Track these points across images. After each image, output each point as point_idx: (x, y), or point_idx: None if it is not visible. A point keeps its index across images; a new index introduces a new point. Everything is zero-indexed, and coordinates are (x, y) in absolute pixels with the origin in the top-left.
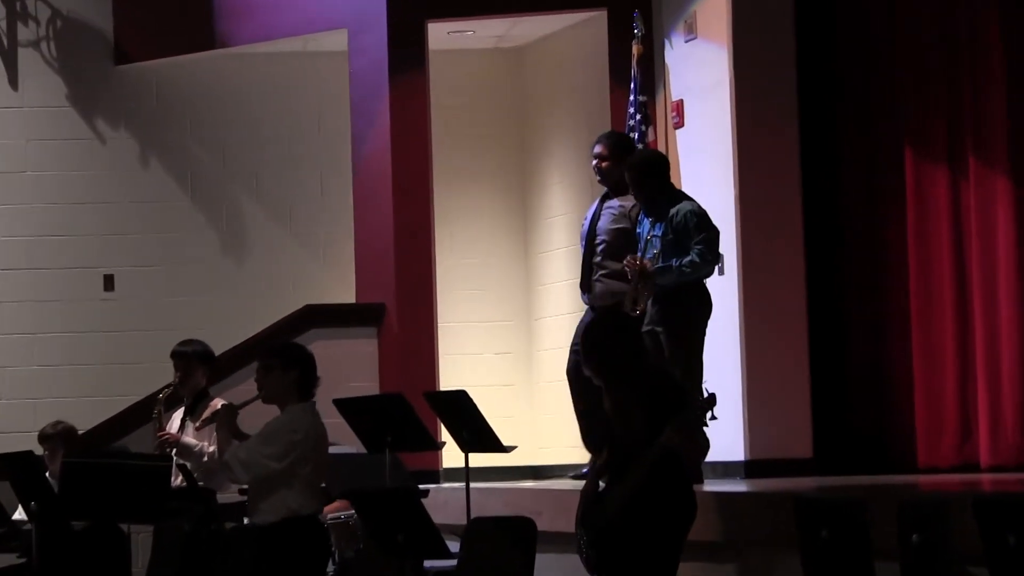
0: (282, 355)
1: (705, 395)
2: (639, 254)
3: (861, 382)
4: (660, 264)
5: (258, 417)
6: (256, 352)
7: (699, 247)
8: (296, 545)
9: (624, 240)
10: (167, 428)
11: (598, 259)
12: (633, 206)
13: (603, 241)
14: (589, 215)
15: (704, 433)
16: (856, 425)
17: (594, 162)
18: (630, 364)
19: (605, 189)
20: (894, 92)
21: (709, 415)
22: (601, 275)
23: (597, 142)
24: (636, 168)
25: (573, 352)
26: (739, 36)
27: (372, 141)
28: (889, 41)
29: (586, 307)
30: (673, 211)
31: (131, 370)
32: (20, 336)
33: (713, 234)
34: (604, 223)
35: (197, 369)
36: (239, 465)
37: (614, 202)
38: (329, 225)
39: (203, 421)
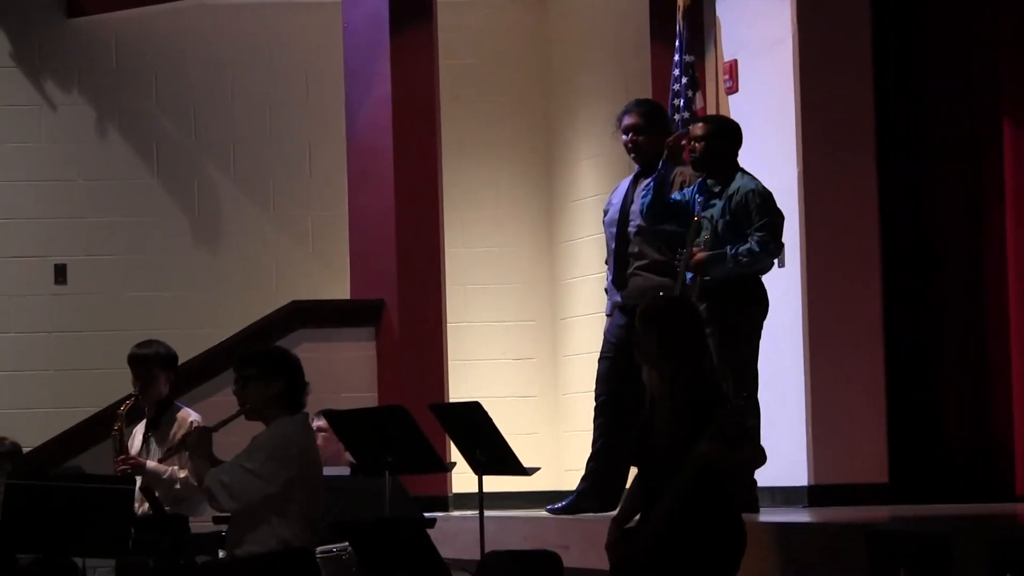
0: (260, 363)
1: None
2: (687, 239)
3: (948, 396)
4: (712, 251)
5: (239, 436)
6: (232, 359)
7: (760, 234)
8: None
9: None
10: (128, 446)
11: (634, 250)
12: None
13: (638, 227)
14: (617, 197)
15: (757, 444)
16: (941, 446)
17: (625, 137)
18: (689, 362)
19: (638, 167)
20: (993, 52)
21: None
22: (638, 267)
23: (627, 112)
24: (714, 122)
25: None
26: None
27: (369, 109)
28: None
29: (613, 308)
30: (733, 188)
31: (87, 376)
32: None
33: (777, 220)
34: (639, 206)
35: (159, 375)
36: (222, 490)
37: (650, 181)
38: (318, 208)
39: (168, 450)
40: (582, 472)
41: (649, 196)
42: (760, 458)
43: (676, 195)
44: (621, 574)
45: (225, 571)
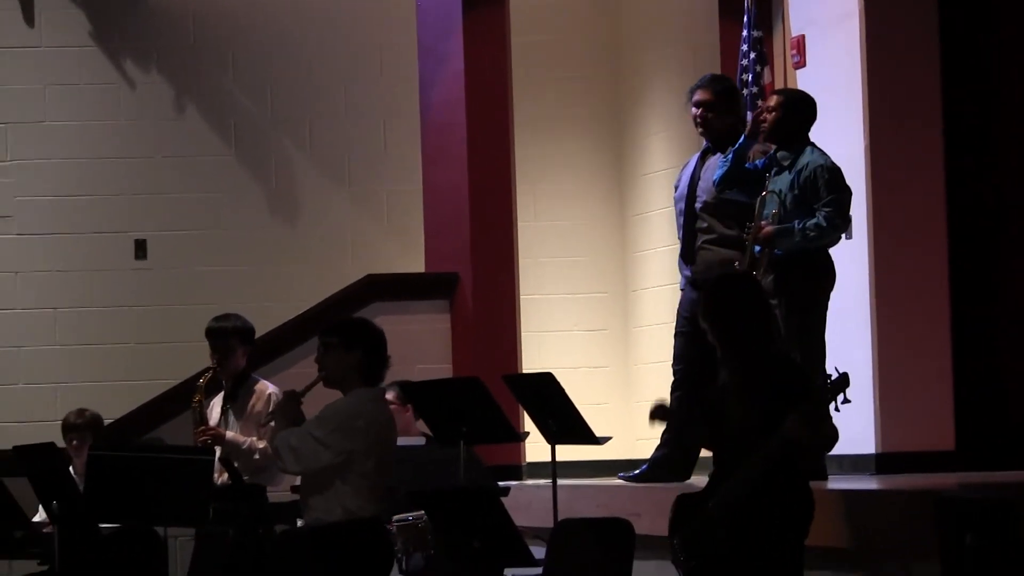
0: (342, 332)
1: (834, 376)
2: (756, 212)
3: (1014, 363)
4: (779, 225)
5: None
6: (313, 328)
7: (827, 210)
8: (354, 551)
9: (730, 199)
10: (207, 417)
11: (702, 224)
12: None
13: (705, 202)
14: (686, 174)
15: (832, 422)
16: (1008, 413)
17: (695, 110)
18: (757, 338)
19: (706, 142)
20: None
21: (841, 399)
22: (706, 242)
23: (697, 87)
24: (788, 94)
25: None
26: None
27: (443, 85)
28: None
29: (686, 283)
30: (803, 163)
31: (166, 349)
32: (40, 311)
33: (845, 196)
34: (708, 181)
35: (236, 348)
36: (288, 452)
37: (718, 157)
38: (393, 183)
39: (267, 416)
40: (653, 441)
41: (727, 166)
42: (835, 438)
43: (750, 165)
44: (690, 545)
45: (299, 541)
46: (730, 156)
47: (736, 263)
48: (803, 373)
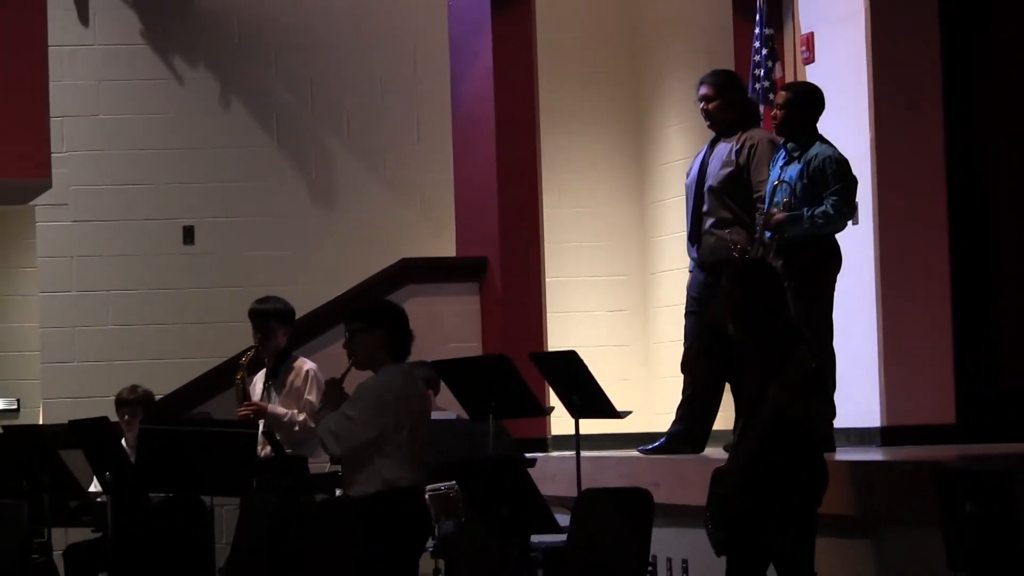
0: (364, 317)
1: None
2: (767, 200)
3: (1011, 340)
4: (790, 212)
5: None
6: (345, 312)
7: (834, 198)
8: (392, 519)
9: (732, 184)
10: (250, 393)
11: (706, 207)
12: (740, 148)
13: (710, 187)
14: (696, 162)
15: (828, 399)
16: (1004, 388)
17: (700, 104)
18: (763, 320)
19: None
20: None
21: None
22: (711, 225)
23: (701, 83)
24: (797, 89)
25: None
26: None
27: (473, 80)
28: None
29: (694, 265)
30: (812, 153)
31: (212, 329)
32: (94, 293)
33: (851, 185)
34: (715, 166)
35: (276, 328)
36: (330, 438)
37: (723, 145)
38: (426, 172)
39: (319, 404)
40: (671, 416)
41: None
42: (831, 411)
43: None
44: (716, 517)
45: (339, 509)
46: (731, 148)
47: (736, 244)
48: (789, 345)
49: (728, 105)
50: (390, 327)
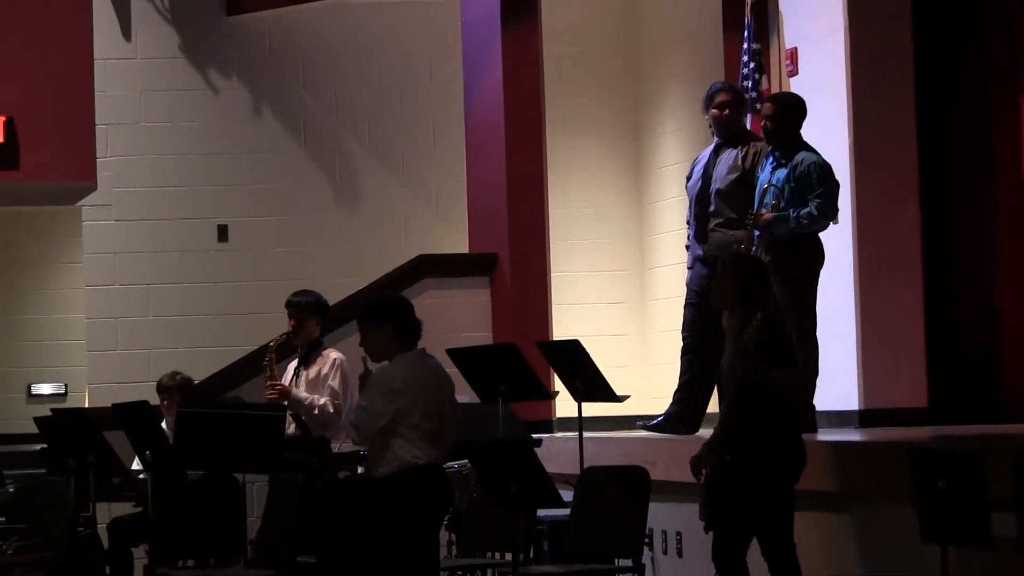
0: (371, 314)
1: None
2: (756, 201)
3: (977, 330)
4: (777, 213)
5: None
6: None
7: (818, 201)
8: (411, 495)
9: (739, 188)
10: (280, 378)
11: (713, 208)
12: (745, 155)
13: (717, 190)
14: (699, 165)
15: (794, 367)
16: (973, 374)
17: (716, 110)
18: (747, 306)
19: (716, 139)
20: (1018, 41)
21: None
22: (717, 224)
23: (721, 90)
24: (782, 101)
25: (689, 307)
26: None
27: (484, 90)
28: None
29: (695, 261)
30: (798, 159)
31: (244, 320)
32: (136, 287)
33: (834, 189)
34: (721, 171)
35: (311, 319)
36: (352, 430)
37: (729, 152)
38: (441, 175)
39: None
40: (666, 399)
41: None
42: (802, 383)
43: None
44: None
45: (362, 486)
46: (735, 155)
47: (739, 242)
48: (760, 327)
49: (739, 115)
50: (397, 319)
